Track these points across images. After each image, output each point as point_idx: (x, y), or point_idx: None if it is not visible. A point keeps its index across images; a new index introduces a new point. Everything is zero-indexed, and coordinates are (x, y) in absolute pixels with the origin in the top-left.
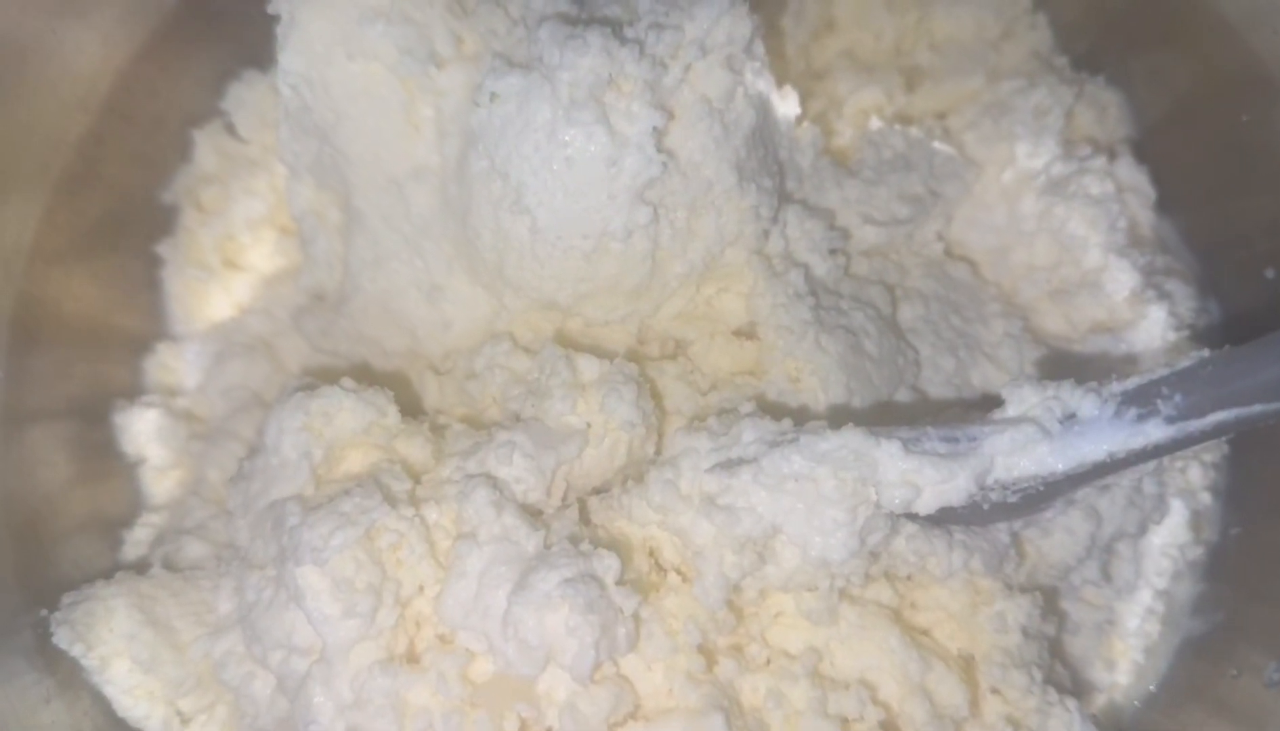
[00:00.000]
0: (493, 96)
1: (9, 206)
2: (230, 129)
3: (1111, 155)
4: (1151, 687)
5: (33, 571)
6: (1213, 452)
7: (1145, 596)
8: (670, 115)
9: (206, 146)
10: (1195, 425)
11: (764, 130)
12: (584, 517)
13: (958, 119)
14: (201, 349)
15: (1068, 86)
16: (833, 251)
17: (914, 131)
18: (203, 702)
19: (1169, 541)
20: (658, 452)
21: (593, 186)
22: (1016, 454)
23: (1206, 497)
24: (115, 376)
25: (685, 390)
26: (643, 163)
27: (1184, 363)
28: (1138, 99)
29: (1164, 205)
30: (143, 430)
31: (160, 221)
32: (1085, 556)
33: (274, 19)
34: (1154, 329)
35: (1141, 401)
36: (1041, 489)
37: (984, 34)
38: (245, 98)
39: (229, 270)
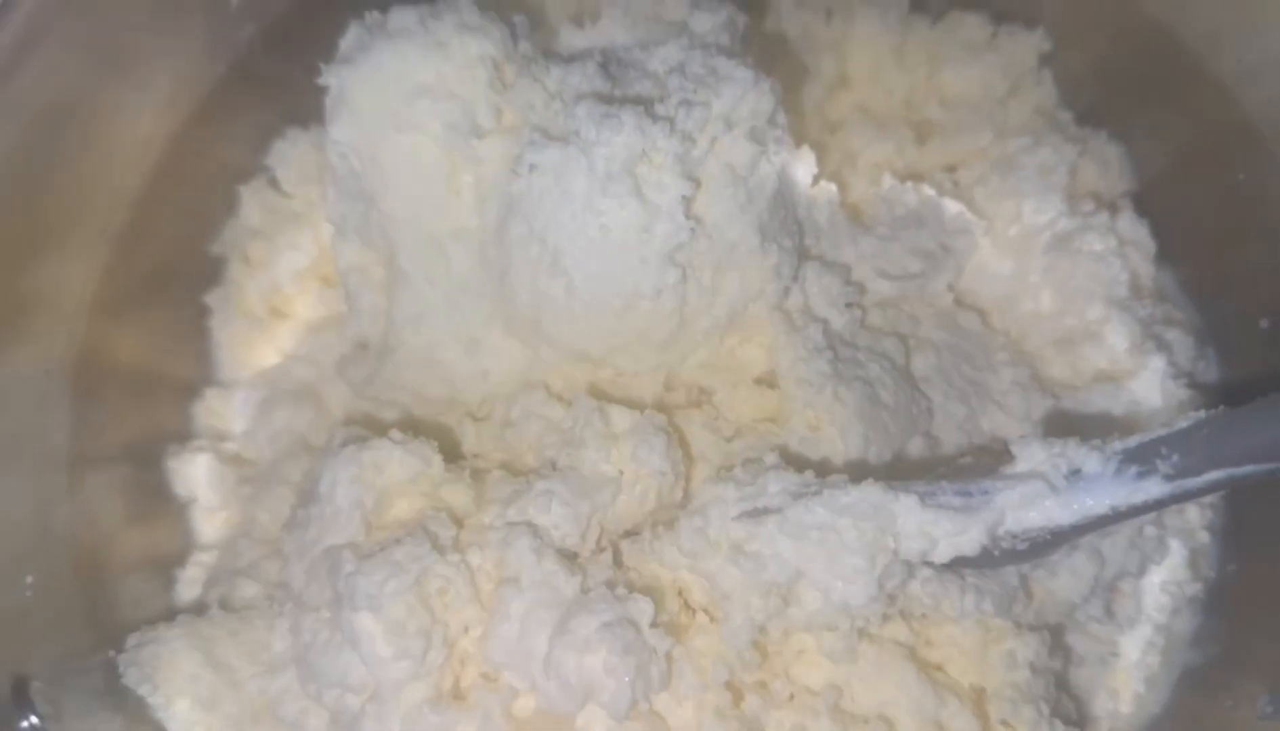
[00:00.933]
0: (532, 168)
1: (74, 263)
2: (274, 184)
3: (1114, 210)
4: (1152, 717)
5: (97, 611)
6: (1210, 494)
7: (1146, 630)
8: (698, 184)
9: (252, 202)
10: (1191, 482)
11: (784, 193)
12: (617, 560)
13: (967, 173)
14: (249, 395)
15: (1072, 144)
16: (849, 305)
17: (926, 189)
18: None
19: (1169, 579)
20: (685, 498)
21: (626, 251)
22: (1025, 507)
23: (1205, 537)
24: (167, 422)
25: (711, 437)
26: (673, 229)
27: (1181, 424)
28: (1139, 153)
29: (1163, 256)
30: (193, 473)
31: (209, 273)
32: (1090, 595)
33: (315, 80)
34: (1154, 377)
35: (1141, 460)
36: (1049, 538)
37: (991, 91)
38: (288, 154)
39: (274, 319)
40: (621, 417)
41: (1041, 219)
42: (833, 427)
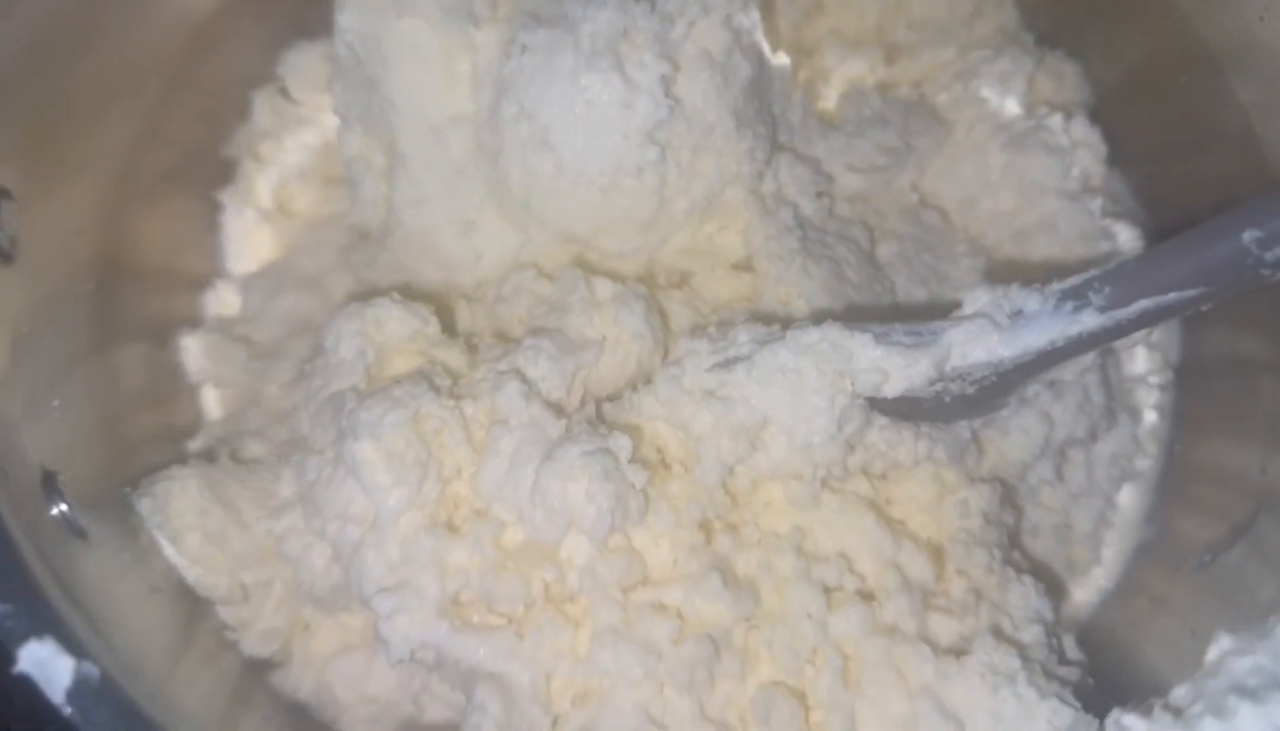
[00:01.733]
0: (524, 48)
1: (102, 148)
2: (284, 92)
3: (1068, 115)
4: (1105, 592)
5: (115, 464)
6: (1159, 376)
7: (1098, 502)
8: (676, 66)
9: (264, 106)
10: (1122, 313)
11: (759, 84)
12: (599, 417)
13: (931, 85)
14: (256, 282)
15: (1030, 56)
16: (819, 194)
17: (891, 94)
18: (262, 577)
19: (1118, 451)
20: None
21: (609, 127)
22: (971, 344)
23: (1153, 416)
24: (180, 308)
25: (689, 313)
26: (652, 106)
27: (1111, 264)
28: (1093, 69)
29: (1114, 161)
30: (204, 352)
31: (222, 172)
32: (1040, 455)
33: None
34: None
35: (1077, 296)
36: (995, 380)
37: (956, 13)
38: (297, 64)
39: (281, 215)
40: (605, 286)
41: (1000, 121)
42: (801, 300)
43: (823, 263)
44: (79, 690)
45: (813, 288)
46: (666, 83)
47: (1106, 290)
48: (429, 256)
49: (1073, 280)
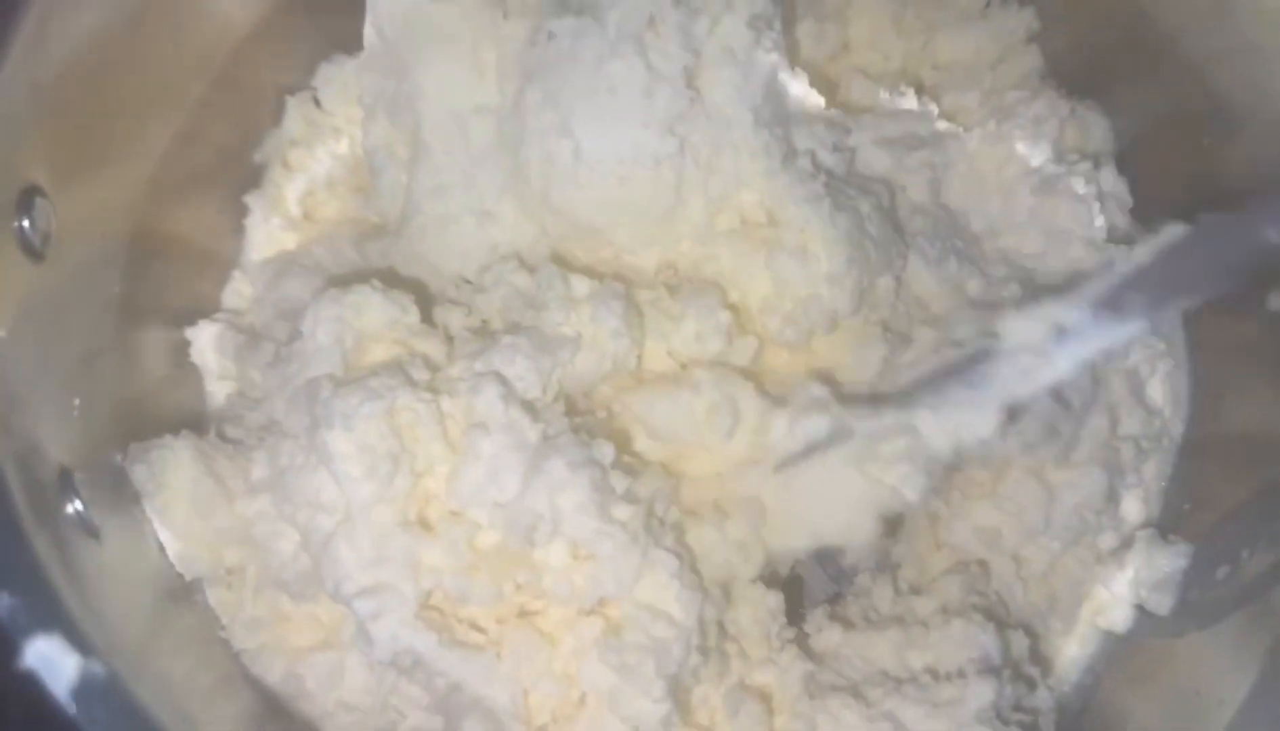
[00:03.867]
0: (550, 35)
1: (140, 144)
2: (317, 102)
3: (1096, 164)
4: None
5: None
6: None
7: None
8: (698, 57)
9: (296, 115)
10: (1160, 314)
11: (776, 85)
12: (572, 410)
13: (962, 121)
14: (264, 270)
15: (1063, 102)
16: (835, 147)
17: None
18: (240, 558)
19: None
20: (639, 365)
21: (630, 114)
22: (1022, 376)
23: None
24: (196, 306)
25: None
26: (674, 95)
27: (1140, 258)
28: (1118, 121)
29: (1138, 212)
30: (213, 345)
31: (250, 176)
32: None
33: (357, 9)
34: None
35: (1114, 304)
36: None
37: (982, 57)
38: (332, 76)
39: (307, 222)
40: (581, 283)
41: (1031, 163)
42: (820, 247)
43: (846, 212)
44: (84, 689)
45: (836, 236)
46: (689, 74)
47: (1142, 296)
48: (445, 246)
49: (1102, 286)
